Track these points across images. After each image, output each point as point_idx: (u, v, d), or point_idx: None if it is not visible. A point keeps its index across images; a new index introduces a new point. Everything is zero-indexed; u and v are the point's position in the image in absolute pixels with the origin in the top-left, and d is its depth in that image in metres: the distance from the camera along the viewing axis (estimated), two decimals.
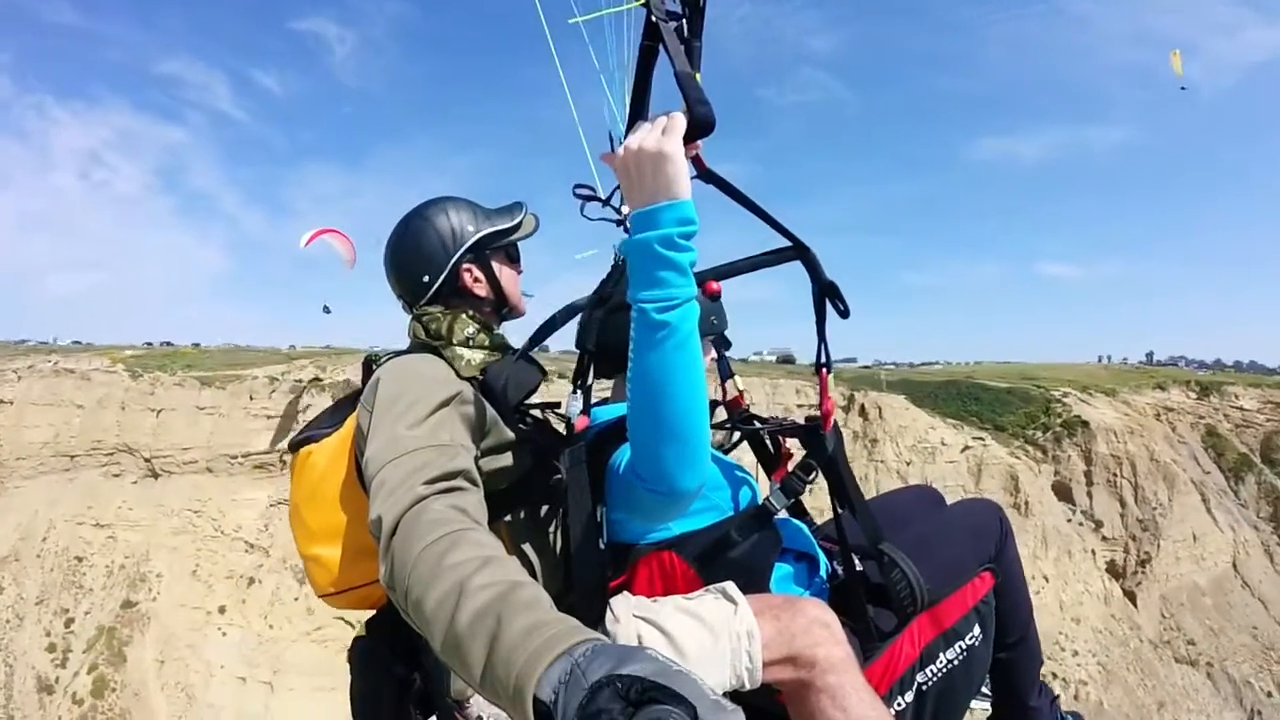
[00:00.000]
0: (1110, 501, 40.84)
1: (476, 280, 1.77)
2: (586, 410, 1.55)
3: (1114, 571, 39.66)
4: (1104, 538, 40.24)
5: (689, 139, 1.18)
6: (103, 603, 32.39)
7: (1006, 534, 1.83)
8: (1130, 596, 38.63)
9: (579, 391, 1.56)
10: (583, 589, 1.44)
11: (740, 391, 2.01)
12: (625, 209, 1.58)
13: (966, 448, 40.92)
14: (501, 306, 1.84)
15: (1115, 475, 40.99)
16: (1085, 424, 43.08)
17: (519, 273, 1.90)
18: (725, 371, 2.02)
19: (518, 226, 1.85)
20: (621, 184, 1.25)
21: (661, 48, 1.25)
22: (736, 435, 1.95)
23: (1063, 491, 41.29)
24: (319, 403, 33.94)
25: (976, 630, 1.68)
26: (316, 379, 37.41)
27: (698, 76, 1.28)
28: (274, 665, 30.69)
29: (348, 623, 30.19)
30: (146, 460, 34.91)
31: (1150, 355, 69.09)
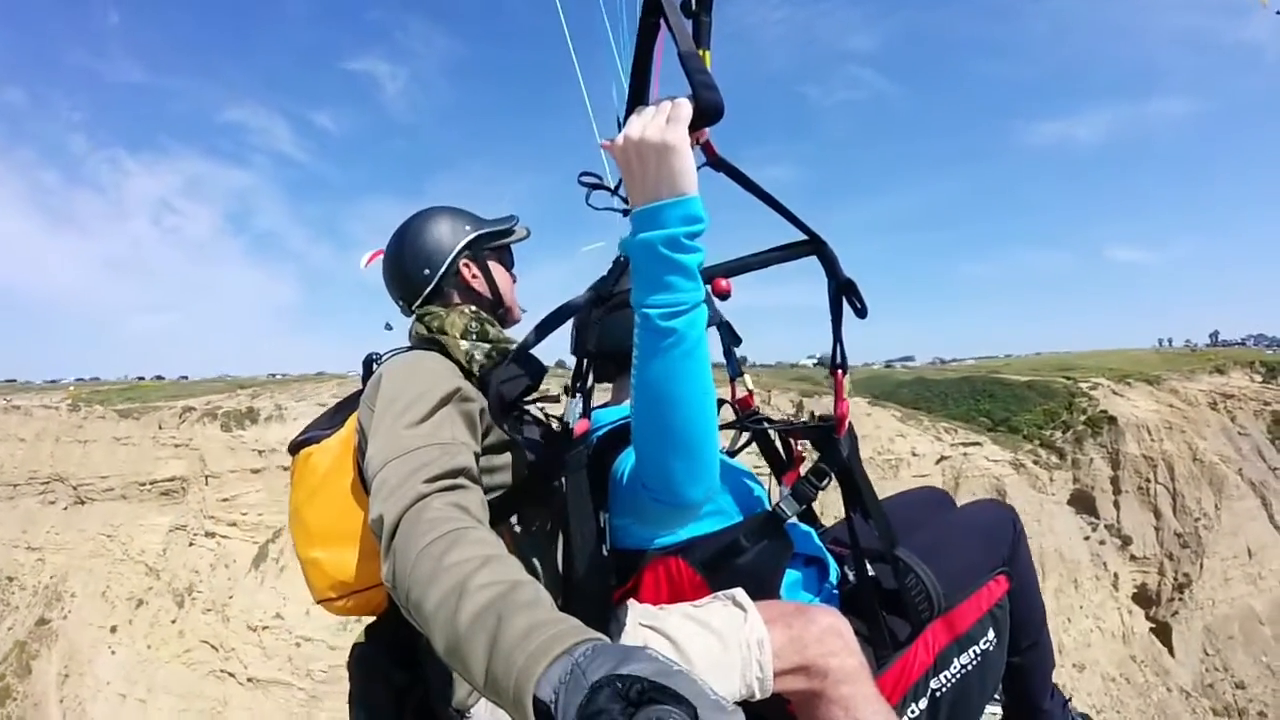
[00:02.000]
0: (1142, 513, 33.97)
1: (475, 276, 1.79)
2: (587, 414, 1.48)
3: (1144, 599, 32.84)
4: (1132, 557, 33.40)
5: (695, 127, 1.08)
6: (23, 619, 34.33)
7: (1019, 536, 1.80)
8: (1161, 632, 31.73)
9: (578, 395, 1.50)
10: (585, 596, 1.37)
11: (749, 391, 1.91)
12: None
13: (943, 458, 34.50)
14: (498, 307, 1.84)
15: (1148, 481, 34.22)
16: (1112, 420, 36.06)
17: (514, 279, 1.93)
18: (733, 370, 1.92)
19: (511, 230, 1.90)
20: (623, 176, 1.15)
21: (664, 23, 1.16)
22: (745, 437, 1.87)
23: (1083, 502, 34.58)
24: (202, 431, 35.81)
25: (991, 635, 1.64)
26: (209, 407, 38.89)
27: (707, 55, 1.23)
28: (148, 684, 31.68)
29: (213, 646, 30.57)
30: (74, 488, 37.36)
31: (1215, 335, 61.40)
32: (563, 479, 1.43)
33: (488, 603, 0.89)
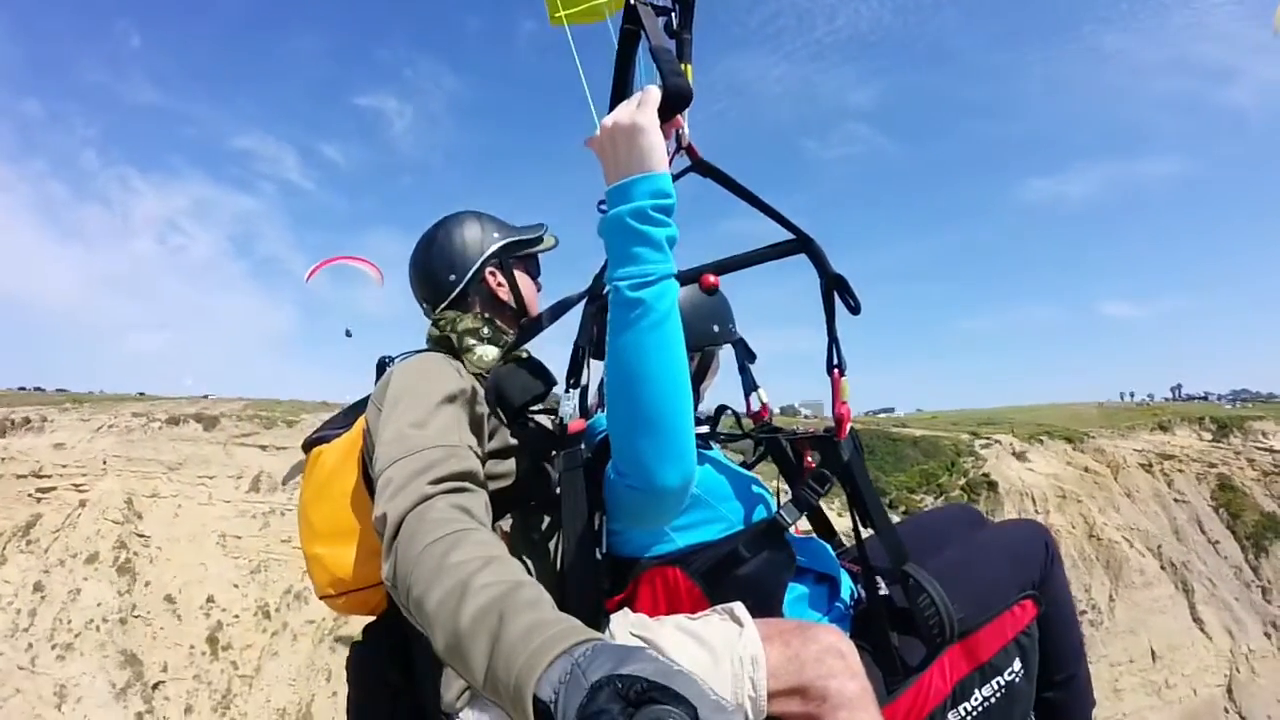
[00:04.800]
0: None
1: (500, 285, 1.78)
2: (585, 412, 1.49)
3: None
4: None
5: (665, 113, 1.16)
6: None
7: (1053, 558, 1.67)
8: None
9: (572, 391, 1.48)
10: (576, 600, 1.33)
11: (764, 404, 1.92)
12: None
13: None
14: (521, 315, 1.81)
15: None
16: (992, 485, 31.39)
17: (539, 288, 1.90)
18: (749, 384, 1.93)
19: (539, 240, 1.88)
20: (601, 164, 1.20)
21: (641, 29, 1.26)
22: (760, 449, 1.84)
23: None
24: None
25: (1017, 665, 1.52)
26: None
27: (688, 68, 1.30)
28: None
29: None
30: None
31: (1177, 389, 54.81)
32: (558, 480, 1.41)
33: (489, 602, 0.89)
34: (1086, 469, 33.83)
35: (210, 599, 21.62)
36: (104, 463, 22.63)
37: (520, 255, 1.82)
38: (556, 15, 1.99)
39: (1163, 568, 30.44)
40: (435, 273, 1.74)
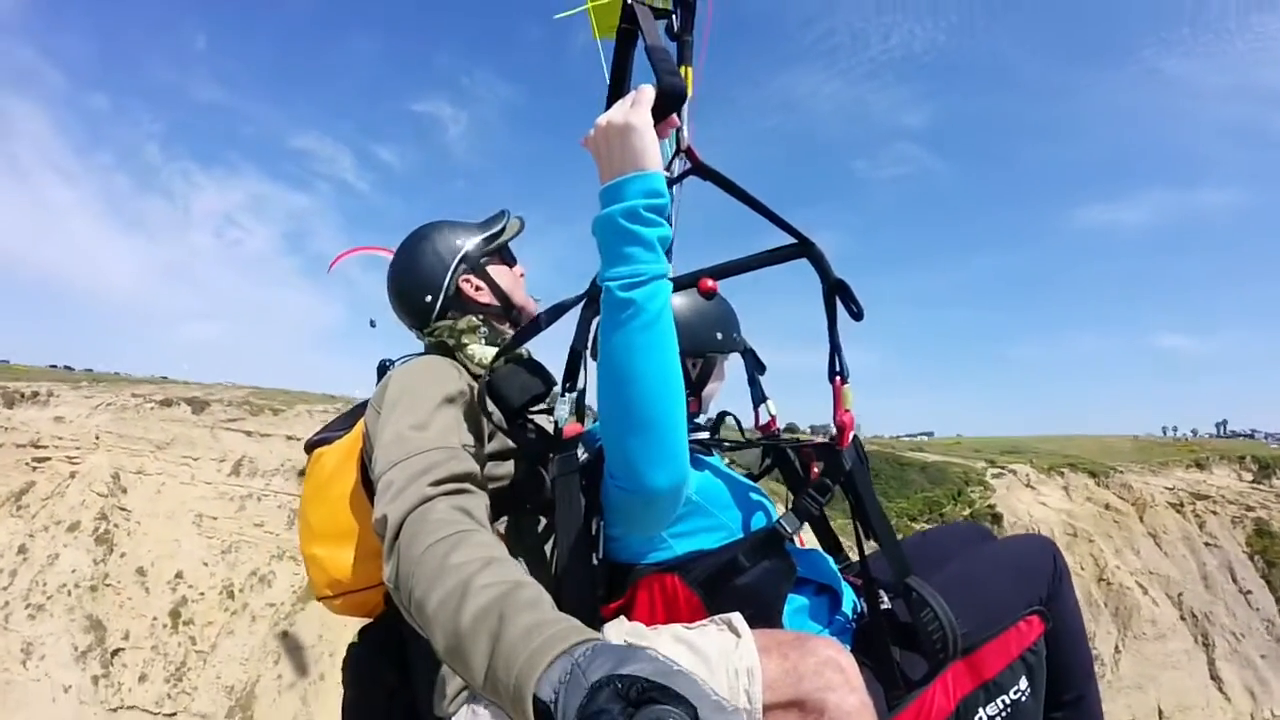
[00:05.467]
0: None
1: (478, 289, 1.77)
2: (581, 416, 1.48)
3: None
4: None
5: (660, 112, 1.15)
6: None
7: (1061, 574, 1.66)
8: None
9: (568, 395, 1.47)
10: (571, 608, 1.22)
11: (773, 416, 1.91)
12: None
13: None
14: (509, 310, 1.82)
15: None
16: (997, 518, 29.65)
17: (519, 274, 1.88)
18: (758, 396, 1.92)
19: (503, 230, 1.85)
20: (596, 164, 1.18)
21: (638, 28, 1.23)
22: (766, 461, 1.82)
23: None
24: None
25: (1023, 683, 1.48)
26: None
27: (689, 71, 1.29)
28: None
29: None
30: None
31: (1223, 424, 51.43)
32: (553, 484, 1.41)
33: (490, 602, 0.89)
34: (1108, 506, 31.60)
35: (179, 575, 22.40)
36: (96, 438, 23.84)
37: (490, 250, 1.80)
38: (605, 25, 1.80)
39: (1182, 618, 28.03)
40: (411, 297, 1.74)
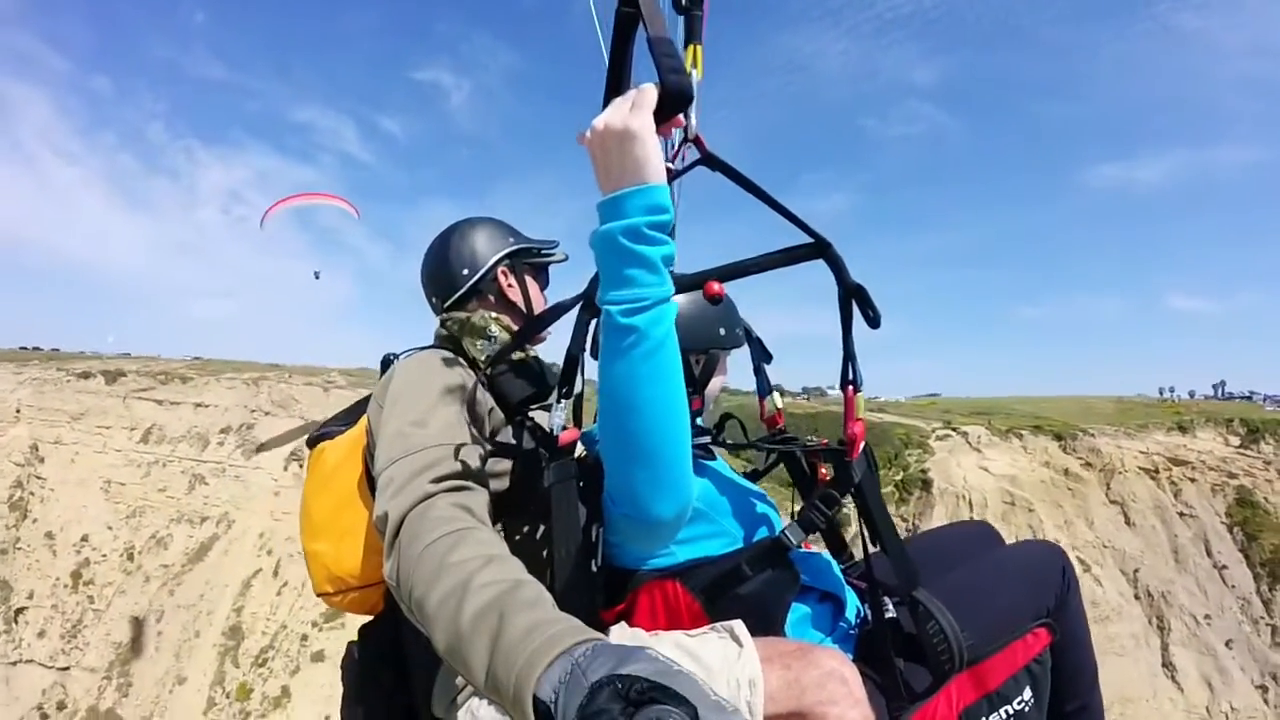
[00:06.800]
0: None
1: (510, 285, 1.79)
2: (578, 422, 1.43)
3: None
4: None
5: (662, 114, 1.05)
6: None
7: (1070, 584, 1.62)
8: None
9: (564, 400, 1.39)
10: (569, 613, 1.21)
11: (779, 409, 1.87)
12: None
13: None
14: (527, 318, 1.80)
15: None
16: (927, 485, 27.92)
17: (546, 301, 1.89)
18: (763, 388, 1.87)
19: (552, 251, 1.90)
20: (593, 168, 1.10)
21: (639, 11, 1.11)
22: (771, 457, 1.77)
23: None
24: None
25: (1027, 694, 1.48)
26: None
27: (699, 49, 1.21)
28: None
29: None
30: None
31: (1221, 386, 45.90)
32: (549, 489, 1.37)
33: (490, 601, 0.90)
34: (1067, 471, 29.14)
35: (84, 538, 23.75)
36: (18, 411, 25.24)
37: (531, 262, 1.85)
38: None
39: (1136, 597, 25.75)
40: (449, 268, 1.76)
